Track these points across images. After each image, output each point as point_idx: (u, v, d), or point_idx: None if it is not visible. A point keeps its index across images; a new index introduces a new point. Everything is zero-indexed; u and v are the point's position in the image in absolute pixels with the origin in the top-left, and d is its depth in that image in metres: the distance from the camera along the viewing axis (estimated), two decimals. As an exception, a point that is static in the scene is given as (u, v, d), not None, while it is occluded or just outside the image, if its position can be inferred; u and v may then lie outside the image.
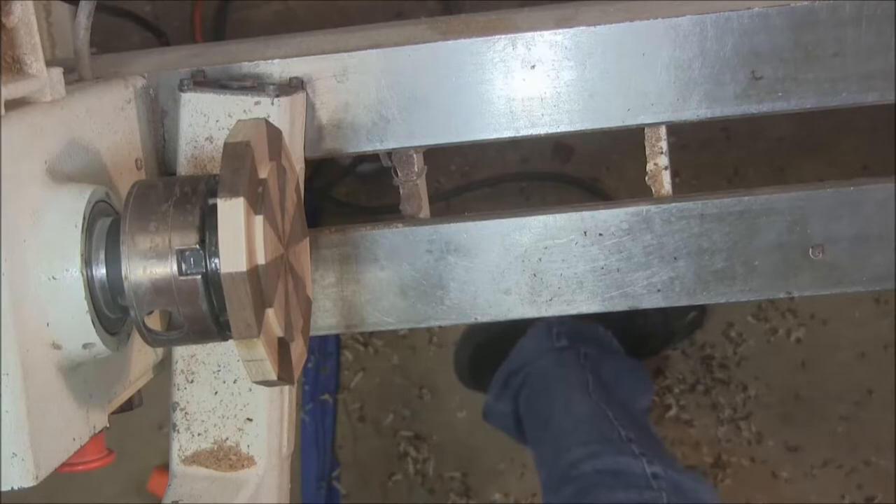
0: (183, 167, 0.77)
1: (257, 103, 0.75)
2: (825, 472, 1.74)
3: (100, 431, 0.67)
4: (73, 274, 0.60)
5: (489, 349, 1.64)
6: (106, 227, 0.63)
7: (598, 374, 1.49)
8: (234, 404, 0.76)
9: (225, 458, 0.76)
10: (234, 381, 0.76)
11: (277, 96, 0.75)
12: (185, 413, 0.76)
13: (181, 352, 0.77)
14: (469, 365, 1.70)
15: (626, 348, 1.63)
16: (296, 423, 0.81)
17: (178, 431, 0.77)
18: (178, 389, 0.77)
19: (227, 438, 0.76)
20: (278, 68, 0.80)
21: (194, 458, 0.76)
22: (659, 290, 0.82)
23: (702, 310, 1.69)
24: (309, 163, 0.82)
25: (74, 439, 0.64)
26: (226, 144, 0.59)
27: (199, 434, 0.76)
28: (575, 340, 1.55)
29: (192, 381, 0.76)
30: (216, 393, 0.76)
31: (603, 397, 1.43)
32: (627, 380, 1.54)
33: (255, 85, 0.77)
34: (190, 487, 0.75)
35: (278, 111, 0.75)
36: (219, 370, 0.76)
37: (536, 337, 1.58)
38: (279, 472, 0.78)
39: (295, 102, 0.77)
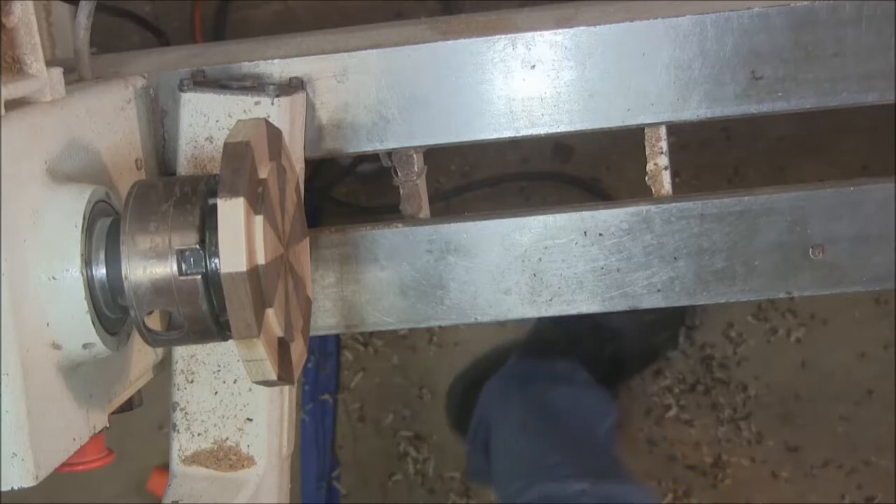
0: (183, 167, 0.77)
1: (257, 103, 0.75)
2: (825, 472, 1.73)
3: (100, 431, 0.67)
4: (73, 274, 0.60)
5: (477, 392, 1.65)
6: (106, 227, 0.63)
7: (544, 407, 1.54)
8: (234, 404, 0.76)
9: (225, 458, 0.76)
10: (234, 381, 0.76)
11: (277, 96, 0.75)
12: (185, 413, 0.76)
13: (181, 352, 0.77)
14: (459, 411, 1.70)
15: (604, 373, 1.64)
16: (296, 423, 0.81)
17: (178, 431, 0.77)
18: (178, 389, 0.77)
19: (227, 438, 0.76)
20: (278, 68, 0.80)
21: (194, 458, 0.76)
22: (659, 290, 0.82)
23: (680, 327, 1.70)
24: (309, 163, 0.82)
25: (74, 439, 0.64)
26: (226, 144, 0.59)
27: (199, 434, 0.76)
28: (523, 382, 1.59)
29: (192, 381, 0.76)
30: (216, 393, 0.76)
31: (540, 430, 1.50)
32: (579, 408, 1.58)
33: (255, 85, 0.77)
34: (190, 487, 0.75)
35: (278, 111, 0.75)
36: (219, 370, 0.76)
37: (489, 386, 1.61)
38: (279, 472, 0.78)
39: (295, 102, 0.77)
